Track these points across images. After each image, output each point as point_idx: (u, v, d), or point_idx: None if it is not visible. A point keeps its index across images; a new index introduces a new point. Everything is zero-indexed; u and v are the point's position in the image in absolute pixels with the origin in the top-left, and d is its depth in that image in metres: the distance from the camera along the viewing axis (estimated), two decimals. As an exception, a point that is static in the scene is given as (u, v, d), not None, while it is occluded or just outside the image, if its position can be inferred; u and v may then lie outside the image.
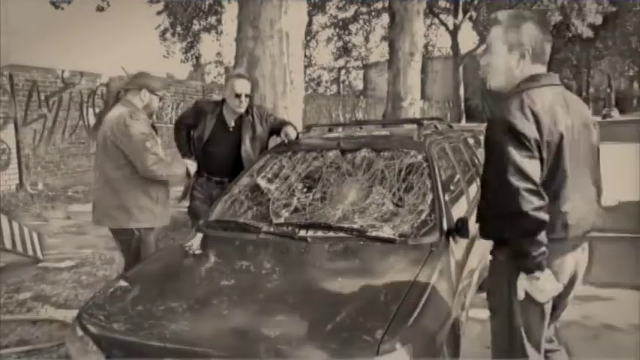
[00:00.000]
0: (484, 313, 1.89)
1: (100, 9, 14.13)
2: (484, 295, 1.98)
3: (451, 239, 2.51)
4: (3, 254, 4.95)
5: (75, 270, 4.91)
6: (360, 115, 21.66)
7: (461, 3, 20.08)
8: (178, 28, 19.28)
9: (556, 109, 1.76)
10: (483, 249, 3.17)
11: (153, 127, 3.11)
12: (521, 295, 1.75)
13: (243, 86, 3.48)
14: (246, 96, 3.49)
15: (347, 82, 29.56)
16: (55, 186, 9.81)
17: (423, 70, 16.44)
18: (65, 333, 2.96)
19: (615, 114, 39.57)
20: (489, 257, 1.93)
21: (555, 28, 25.90)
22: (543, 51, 1.84)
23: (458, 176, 3.37)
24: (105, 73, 11.14)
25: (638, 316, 3.44)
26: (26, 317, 3.67)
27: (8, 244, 4.81)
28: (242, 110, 3.51)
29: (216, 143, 3.50)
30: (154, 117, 3.23)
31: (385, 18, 19.85)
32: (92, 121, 10.76)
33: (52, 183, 9.84)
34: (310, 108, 17.41)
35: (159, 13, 18.53)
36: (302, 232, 2.56)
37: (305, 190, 2.93)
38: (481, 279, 3.33)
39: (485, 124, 1.86)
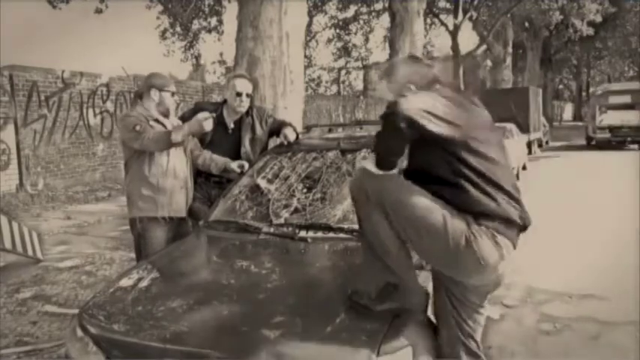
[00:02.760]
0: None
1: (99, 11, 14.13)
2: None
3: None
4: (3, 254, 4.96)
5: (75, 270, 4.91)
6: (360, 116, 21.61)
7: (461, 3, 20.01)
8: (178, 28, 19.26)
9: None
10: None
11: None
12: None
13: (244, 85, 3.48)
14: (248, 95, 3.49)
15: (347, 83, 29.57)
16: (55, 186, 9.82)
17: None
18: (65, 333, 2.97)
19: None
20: None
21: (555, 28, 25.88)
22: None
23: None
24: (105, 73, 11.14)
25: (638, 316, 3.44)
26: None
27: (8, 244, 4.82)
28: (243, 109, 3.51)
29: (216, 144, 3.50)
30: (174, 113, 3.37)
31: (385, 18, 19.84)
32: (92, 121, 10.77)
33: (52, 183, 9.84)
34: (310, 108, 17.39)
35: (159, 14, 18.52)
36: (302, 233, 2.56)
37: (305, 190, 2.93)
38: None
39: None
